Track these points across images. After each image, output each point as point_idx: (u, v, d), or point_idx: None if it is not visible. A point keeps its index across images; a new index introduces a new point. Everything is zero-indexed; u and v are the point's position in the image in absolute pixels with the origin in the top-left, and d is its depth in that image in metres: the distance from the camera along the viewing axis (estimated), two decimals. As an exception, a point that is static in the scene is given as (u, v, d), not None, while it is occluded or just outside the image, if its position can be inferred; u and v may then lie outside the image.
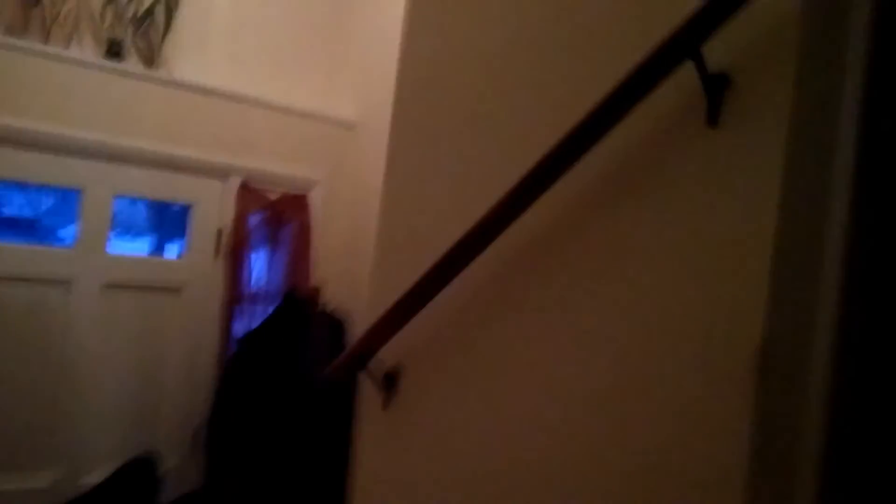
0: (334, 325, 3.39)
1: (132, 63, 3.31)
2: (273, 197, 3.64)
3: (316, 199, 3.78)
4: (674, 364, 1.45)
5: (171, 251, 6.36)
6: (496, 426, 1.75)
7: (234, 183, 3.52)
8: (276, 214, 3.63)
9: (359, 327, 1.96)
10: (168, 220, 7.07)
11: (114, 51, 3.25)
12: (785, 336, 1.38)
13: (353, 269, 3.66)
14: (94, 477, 3.20)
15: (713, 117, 1.43)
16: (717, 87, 1.43)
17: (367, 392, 1.99)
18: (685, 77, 1.43)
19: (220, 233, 3.52)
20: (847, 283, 1.44)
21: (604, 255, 1.58)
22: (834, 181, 1.50)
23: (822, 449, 1.46)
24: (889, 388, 1.55)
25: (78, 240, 3.21)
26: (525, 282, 1.72)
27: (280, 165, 3.67)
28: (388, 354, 1.91)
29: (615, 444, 1.54)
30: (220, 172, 3.49)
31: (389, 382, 1.94)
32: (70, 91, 3.05)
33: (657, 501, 1.46)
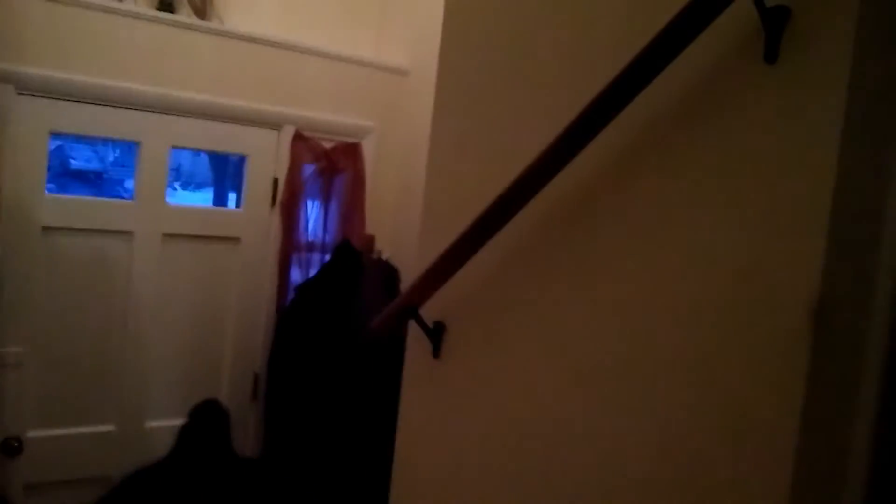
0: (388, 274, 3.40)
1: (184, 15, 3.31)
2: (327, 146, 3.63)
3: (369, 148, 3.76)
4: (724, 320, 1.41)
5: (232, 199, 6.47)
6: (543, 382, 1.73)
7: (288, 132, 3.52)
8: (331, 164, 3.62)
9: (411, 276, 1.95)
10: (230, 171, 7.18)
11: (165, 3, 3.26)
12: (843, 291, 1.32)
13: (406, 217, 3.65)
14: (158, 422, 3.30)
15: (772, 53, 1.35)
16: (776, 21, 1.34)
17: (417, 341, 1.99)
18: (742, 11, 1.35)
19: (275, 182, 3.54)
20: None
21: (653, 205, 1.53)
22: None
23: (877, 410, 1.40)
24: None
25: (137, 191, 3.26)
26: (572, 236, 1.68)
27: (333, 114, 3.65)
28: (435, 307, 1.90)
29: (661, 398, 1.50)
30: (273, 122, 3.49)
31: (439, 332, 1.94)
32: (124, 44, 3.07)
33: (703, 456, 1.43)
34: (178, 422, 3.33)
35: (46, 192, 3.04)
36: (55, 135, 3.07)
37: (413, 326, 1.97)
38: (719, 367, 1.41)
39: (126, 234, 3.21)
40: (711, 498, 1.43)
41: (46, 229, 3.01)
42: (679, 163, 1.49)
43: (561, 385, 1.70)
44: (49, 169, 3.04)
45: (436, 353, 1.94)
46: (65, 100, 2.98)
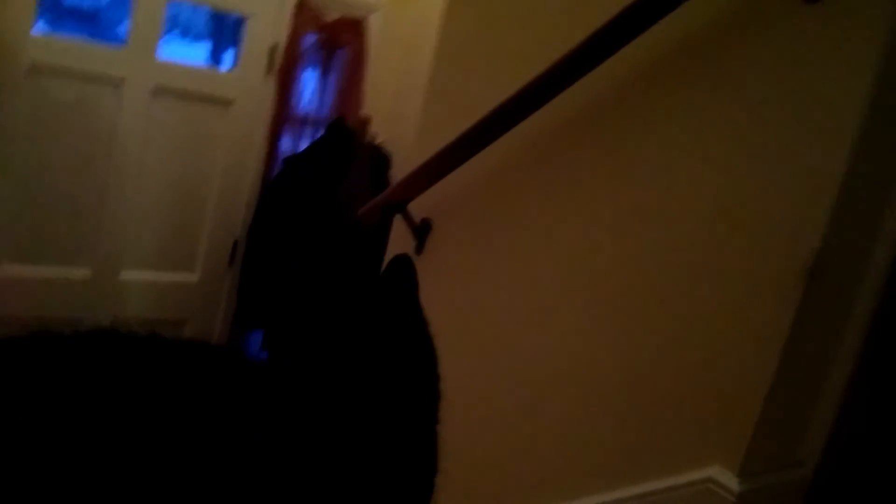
0: (379, 160, 3.33)
1: None
2: (331, 18, 3.49)
3: (375, 25, 3.61)
4: (725, 252, 1.38)
5: (228, 61, 6.23)
6: (525, 291, 1.72)
7: (292, -2, 3.38)
8: (332, 37, 3.49)
9: (403, 166, 1.90)
10: (227, 29, 6.92)
11: None
12: (844, 243, 1.29)
13: (405, 103, 3.54)
14: (132, 275, 3.29)
15: (813, -8, 1.27)
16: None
17: (401, 236, 1.95)
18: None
19: (273, 49, 3.41)
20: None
21: (669, 135, 1.48)
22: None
23: (854, 361, 1.41)
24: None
25: (129, 40, 3.14)
26: (579, 152, 1.63)
27: (341, -16, 3.50)
28: (424, 204, 1.86)
29: (644, 326, 1.49)
30: (279, -15, 3.34)
31: (424, 230, 1.90)
32: None
33: (682, 391, 1.43)
34: (153, 275, 3.33)
35: (37, 29, 2.91)
36: (49, -32, 2.92)
37: (398, 220, 1.93)
38: (706, 301, 1.40)
39: (116, 82, 3.09)
40: (669, 419, 1.44)
41: (32, 68, 2.90)
42: (702, 98, 1.43)
43: (549, 295, 1.68)
44: (41, 3, 2.90)
45: (419, 249, 1.91)
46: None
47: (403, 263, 0.92)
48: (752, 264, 1.33)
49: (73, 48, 3.06)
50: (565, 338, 1.62)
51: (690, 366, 1.41)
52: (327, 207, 3.17)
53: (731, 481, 1.33)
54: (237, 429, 0.66)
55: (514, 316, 1.73)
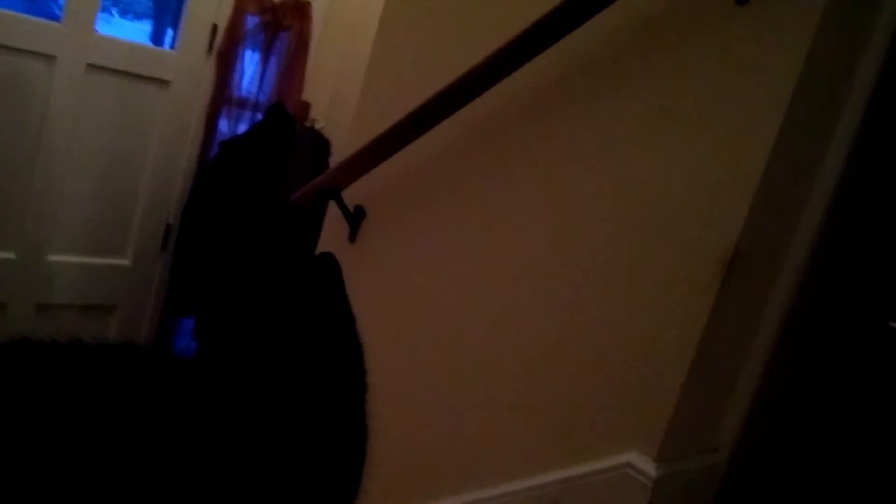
0: (318, 145, 3.30)
1: None
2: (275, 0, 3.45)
3: (320, 9, 3.58)
4: (644, 243, 1.41)
5: (170, 41, 6.11)
6: (453, 280, 1.73)
7: (236, -22, 3.32)
8: (275, 19, 3.45)
9: (343, 152, 1.90)
10: (172, 6, 6.76)
11: None
12: (762, 236, 1.33)
13: (347, 89, 3.51)
14: (60, 258, 3.20)
15: (741, -7, 1.31)
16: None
17: (335, 222, 1.95)
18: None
19: (214, 29, 3.36)
20: (835, 203, 1.38)
21: (591, 131, 1.50)
22: (856, 81, 1.40)
23: (770, 351, 1.46)
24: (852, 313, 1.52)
25: (66, 14, 3.05)
26: (509, 148, 1.65)
27: (286, -34, 3.45)
28: (358, 191, 1.86)
29: (566, 314, 1.52)
30: (221, -36, 3.29)
31: (358, 217, 1.90)
32: None
33: (602, 378, 1.46)
34: (82, 259, 3.25)
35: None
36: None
37: (333, 207, 1.93)
38: (626, 290, 1.43)
39: (48, 58, 3.01)
40: (588, 406, 1.47)
41: (-40, 41, 2.81)
42: (627, 91, 1.46)
43: (476, 285, 1.70)
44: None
45: (352, 237, 1.91)
46: None
47: (328, 262, 0.92)
48: (672, 254, 1.37)
49: (4, 20, 2.97)
50: (490, 326, 1.64)
51: (610, 353, 1.44)
52: (264, 193, 3.14)
53: (648, 466, 1.36)
54: (165, 427, 0.66)
55: (443, 304, 1.74)
